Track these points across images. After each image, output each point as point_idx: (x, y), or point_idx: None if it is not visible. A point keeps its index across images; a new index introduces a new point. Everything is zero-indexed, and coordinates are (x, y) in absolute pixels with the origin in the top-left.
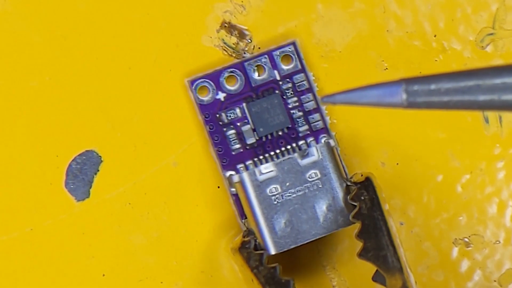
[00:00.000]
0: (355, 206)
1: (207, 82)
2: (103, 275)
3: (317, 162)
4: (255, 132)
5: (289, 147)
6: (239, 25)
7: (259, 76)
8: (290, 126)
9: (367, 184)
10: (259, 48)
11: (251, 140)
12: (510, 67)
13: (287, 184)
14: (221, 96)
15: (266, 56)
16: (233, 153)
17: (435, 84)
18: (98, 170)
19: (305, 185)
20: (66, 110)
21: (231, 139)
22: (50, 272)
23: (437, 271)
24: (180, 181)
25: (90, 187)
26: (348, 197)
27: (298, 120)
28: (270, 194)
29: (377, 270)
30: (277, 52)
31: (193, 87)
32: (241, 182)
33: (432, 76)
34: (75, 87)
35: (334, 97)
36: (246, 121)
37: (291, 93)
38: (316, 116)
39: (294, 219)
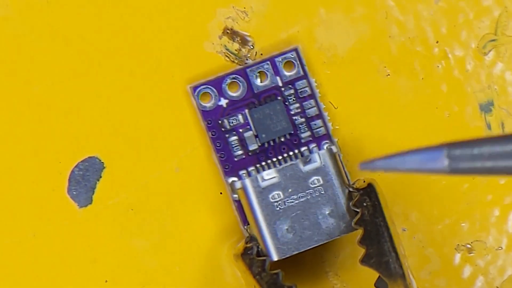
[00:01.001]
0: (358, 212)
1: (209, 88)
2: (106, 281)
3: (320, 168)
4: (257, 138)
5: (291, 153)
6: (241, 31)
7: (261, 82)
8: (292, 132)
9: (369, 190)
10: (261, 54)
11: (253, 146)
12: None
13: (290, 190)
14: (223, 102)
15: (268, 62)
16: (236, 159)
17: (478, 148)
18: (100, 176)
19: (308, 191)
20: (68, 116)
21: (233, 145)
22: (53, 278)
23: (439, 277)
24: (183, 187)
25: (93, 193)
26: (351, 203)
27: (300, 126)
28: (272, 201)
29: (379, 276)
30: (280, 59)
31: (196, 94)
32: (244, 188)
33: (475, 140)
34: (78, 93)
35: (374, 163)
36: (249, 127)
37: (293, 99)
38: (319, 122)
39: (297, 225)
